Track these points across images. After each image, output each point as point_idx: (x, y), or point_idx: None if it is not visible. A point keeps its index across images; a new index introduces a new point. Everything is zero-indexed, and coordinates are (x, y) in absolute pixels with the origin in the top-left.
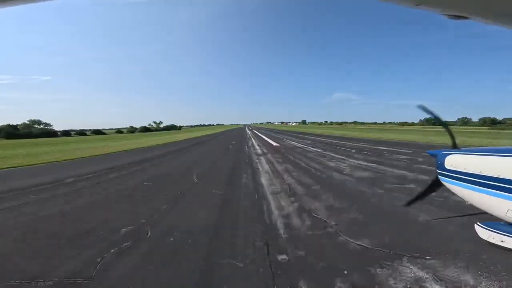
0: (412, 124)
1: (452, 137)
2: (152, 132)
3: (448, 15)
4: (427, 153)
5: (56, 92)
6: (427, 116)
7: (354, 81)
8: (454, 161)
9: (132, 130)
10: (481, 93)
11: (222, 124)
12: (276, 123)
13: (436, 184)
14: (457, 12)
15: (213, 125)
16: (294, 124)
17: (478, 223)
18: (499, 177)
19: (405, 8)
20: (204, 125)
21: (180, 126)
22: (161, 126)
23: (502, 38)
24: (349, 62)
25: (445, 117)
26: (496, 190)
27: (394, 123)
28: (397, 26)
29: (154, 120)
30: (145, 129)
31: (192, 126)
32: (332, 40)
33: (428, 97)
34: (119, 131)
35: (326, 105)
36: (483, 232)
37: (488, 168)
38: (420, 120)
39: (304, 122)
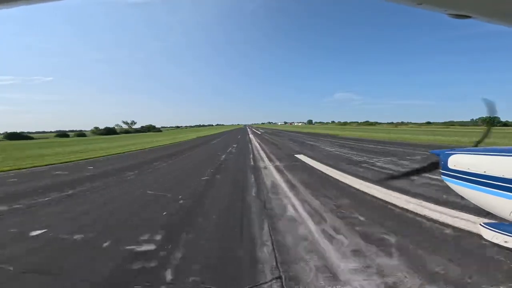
0: (452, 124)
1: (484, 137)
2: (111, 136)
3: (451, 14)
4: (431, 152)
5: (59, 93)
6: (487, 114)
7: (355, 81)
8: (458, 160)
9: (81, 134)
10: (485, 93)
11: (222, 125)
12: (279, 123)
13: (433, 167)
14: (459, 11)
15: (212, 125)
16: (300, 124)
17: (481, 223)
18: (503, 177)
19: (407, 7)
20: (203, 126)
21: (177, 126)
22: (135, 126)
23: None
24: (349, 62)
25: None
26: (500, 190)
27: (413, 123)
28: (399, 25)
29: (125, 120)
30: (108, 131)
31: (191, 127)
32: (331, 40)
33: (430, 97)
34: (63, 134)
35: (327, 105)
36: (487, 233)
37: (492, 168)
38: (473, 119)
39: (310, 122)
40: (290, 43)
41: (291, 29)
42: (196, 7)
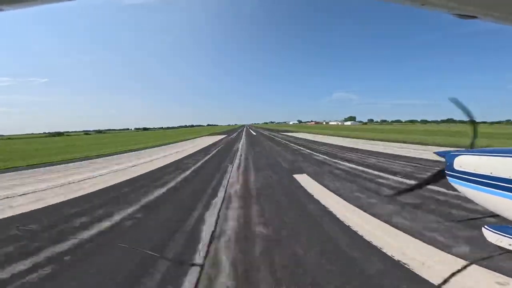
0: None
1: (474, 137)
2: None
3: (456, 14)
4: (435, 153)
5: (56, 94)
6: (458, 110)
7: (353, 80)
8: (464, 161)
9: None
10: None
11: (216, 125)
12: (291, 123)
13: (438, 177)
14: (465, 11)
15: (196, 126)
16: (348, 124)
17: (486, 226)
18: (510, 178)
19: (408, 7)
20: (191, 126)
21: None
22: None
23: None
24: (348, 62)
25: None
26: (508, 191)
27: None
28: (398, 25)
29: None
30: None
31: (173, 127)
32: (331, 40)
33: (429, 97)
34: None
35: (327, 105)
36: (491, 236)
37: (499, 169)
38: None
39: (352, 119)
40: (289, 43)
41: (290, 29)
42: (192, 8)
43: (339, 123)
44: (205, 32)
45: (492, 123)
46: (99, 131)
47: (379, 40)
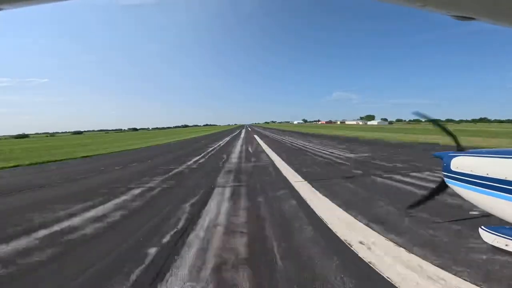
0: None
1: (454, 137)
2: None
3: (455, 15)
4: (433, 155)
5: (55, 95)
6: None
7: (352, 80)
8: (461, 163)
9: None
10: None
11: (214, 125)
12: (295, 122)
13: (442, 188)
14: (463, 13)
15: (189, 126)
16: (363, 124)
17: (482, 226)
18: (506, 179)
19: (407, 8)
20: (184, 126)
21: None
22: None
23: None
24: (347, 61)
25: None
26: (503, 192)
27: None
28: (397, 24)
29: None
30: None
31: (168, 127)
32: (331, 40)
33: (426, 96)
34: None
35: (327, 104)
36: (487, 236)
37: (495, 170)
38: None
39: (371, 118)
40: (288, 43)
41: (288, 28)
42: (191, 7)
43: (360, 123)
44: (205, 32)
45: (502, 121)
46: (79, 132)
47: (376, 40)
